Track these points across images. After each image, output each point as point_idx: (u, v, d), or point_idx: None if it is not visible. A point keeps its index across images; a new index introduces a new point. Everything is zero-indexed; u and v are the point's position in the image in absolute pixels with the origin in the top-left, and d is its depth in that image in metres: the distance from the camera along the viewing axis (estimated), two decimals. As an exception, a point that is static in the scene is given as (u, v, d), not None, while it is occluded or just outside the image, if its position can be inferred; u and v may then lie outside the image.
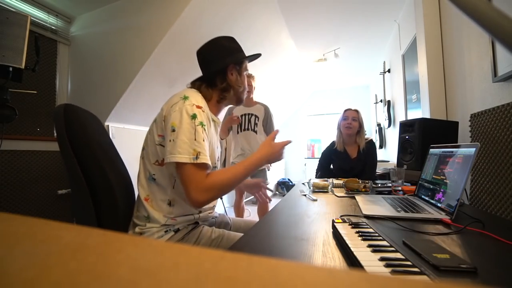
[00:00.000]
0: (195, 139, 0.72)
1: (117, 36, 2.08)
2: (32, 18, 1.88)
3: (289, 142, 0.90)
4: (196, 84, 0.89)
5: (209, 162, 0.74)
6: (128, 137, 2.22)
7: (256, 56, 1.00)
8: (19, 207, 1.86)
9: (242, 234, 0.82)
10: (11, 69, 1.38)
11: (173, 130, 0.72)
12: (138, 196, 0.83)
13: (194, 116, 0.74)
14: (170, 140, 0.72)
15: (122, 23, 2.06)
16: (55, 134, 2.20)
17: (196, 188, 0.70)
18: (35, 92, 1.93)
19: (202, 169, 0.73)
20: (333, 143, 1.99)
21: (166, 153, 0.72)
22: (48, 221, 0.19)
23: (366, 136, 1.93)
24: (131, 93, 2.03)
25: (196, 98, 0.79)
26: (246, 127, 2.10)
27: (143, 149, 0.84)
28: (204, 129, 0.76)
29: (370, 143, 1.87)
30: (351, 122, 1.85)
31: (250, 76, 2.16)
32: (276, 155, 0.86)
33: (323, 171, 2.00)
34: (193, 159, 0.70)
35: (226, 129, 2.09)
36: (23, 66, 1.40)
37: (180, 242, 0.57)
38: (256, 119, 2.09)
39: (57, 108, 0.74)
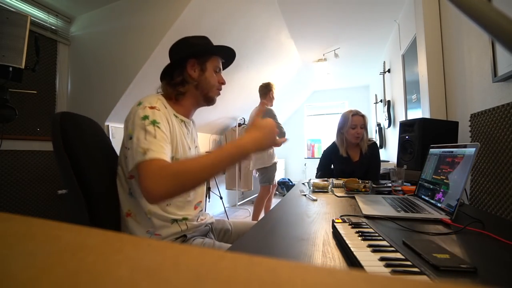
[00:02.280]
0: (145, 139, 0.67)
1: (117, 36, 2.08)
2: (32, 18, 1.88)
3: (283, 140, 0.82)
4: (163, 84, 0.89)
5: (162, 156, 0.65)
6: (128, 137, 2.22)
7: (226, 50, 0.92)
8: (19, 207, 1.86)
9: (229, 245, 0.80)
10: (11, 69, 1.38)
11: (130, 138, 0.71)
12: (121, 214, 0.81)
13: (145, 117, 0.72)
14: (128, 149, 0.71)
15: (122, 23, 2.06)
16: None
17: (148, 179, 0.61)
18: (35, 92, 1.93)
19: (153, 163, 0.64)
20: (334, 145, 1.92)
21: (128, 162, 0.71)
22: (48, 221, 0.19)
23: (369, 138, 1.86)
24: (131, 93, 2.03)
25: (150, 100, 0.77)
26: None
27: (118, 165, 0.83)
28: (158, 127, 0.71)
29: (374, 145, 1.82)
30: (360, 130, 1.74)
31: (273, 85, 2.52)
32: (268, 136, 0.70)
33: (323, 171, 1.96)
34: (142, 156, 0.64)
35: None
36: (23, 66, 1.40)
37: None
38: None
39: (54, 116, 0.74)
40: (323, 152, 2.01)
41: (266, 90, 2.52)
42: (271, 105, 2.50)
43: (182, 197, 0.85)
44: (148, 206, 0.79)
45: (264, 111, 2.21)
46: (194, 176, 0.62)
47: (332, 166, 1.96)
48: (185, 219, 0.85)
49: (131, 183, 0.79)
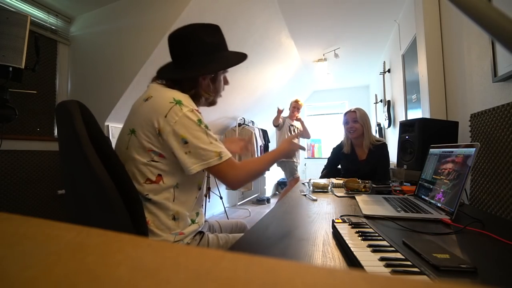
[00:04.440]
0: (211, 142, 0.74)
1: (117, 36, 2.08)
2: (32, 18, 1.88)
3: (303, 148, 1.08)
4: (167, 84, 0.83)
5: (230, 154, 0.78)
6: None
7: (242, 58, 0.87)
8: (19, 207, 1.86)
9: (241, 234, 0.82)
10: (11, 69, 1.38)
11: (186, 142, 0.71)
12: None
13: (200, 122, 0.74)
14: (186, 153, 0.71)
15: (122, 23, 2.06)
16: (55, 134, 2.22)
17: (234, 174, 0.78)
18: (35, 92, 1.93)
19: (230, 161, 0.77)
20: (341, 143, 1.95)
21: (187, 164, 0.71)
22: (48, 221, 0.19)
23: (379, 138, 1.86)
24: (131, 93, 2.03)
25: (188, 100, 0.75)
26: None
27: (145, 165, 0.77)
28: (209, 129, 0.76)
29: (383, 145, 1.80)
30: (352, 125, 1.80)
31: (297, 101, 3.12)
32: (290, 152, 0.99)
33: (329, 169, 1.98)
34: (218, 160, 0.74)
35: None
36: (23, 66, 1.40)
37: None
38: (297, 129, 3.17)
39: (69, 104, 0.66)
40: (332, 149, 2.03)
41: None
42: (289, 117, 3.16)
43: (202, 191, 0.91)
44: (175, 208, 0.76)
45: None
46: (259, 170, 0.86)
47: (340, 166, 1.98)
48: (197, 213, 0.86)
49: (150, 188, 0.75)
